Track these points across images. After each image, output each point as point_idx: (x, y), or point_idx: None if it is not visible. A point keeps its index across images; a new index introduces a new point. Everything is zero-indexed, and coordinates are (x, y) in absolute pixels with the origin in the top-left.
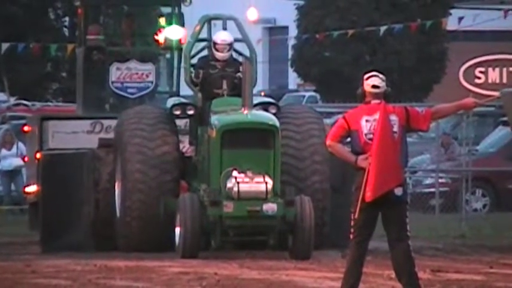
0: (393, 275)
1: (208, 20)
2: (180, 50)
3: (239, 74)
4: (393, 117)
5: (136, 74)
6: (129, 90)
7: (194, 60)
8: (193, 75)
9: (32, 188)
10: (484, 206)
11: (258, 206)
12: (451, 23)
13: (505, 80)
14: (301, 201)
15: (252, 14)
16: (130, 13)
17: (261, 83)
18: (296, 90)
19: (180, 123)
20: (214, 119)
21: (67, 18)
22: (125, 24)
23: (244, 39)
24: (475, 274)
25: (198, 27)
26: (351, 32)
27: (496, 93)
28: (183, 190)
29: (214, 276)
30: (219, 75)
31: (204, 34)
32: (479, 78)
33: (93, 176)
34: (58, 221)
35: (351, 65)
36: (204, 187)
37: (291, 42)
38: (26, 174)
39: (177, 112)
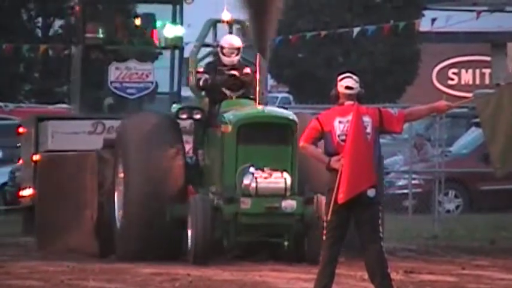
0: (366, 276)
1: (214, 24)
2: (180, 49)
3: (245, 75)
4: (366, 119)
5: (136, 73)
6: (129, 91)
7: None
8: (201, 81)
9: (27, 192)
10: (457, 207)
11: (276, 203)
12: (423, 25)
13: (477, 81)
14: (319, 200)
15: (226, 16)
16: (127, 9)
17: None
18: (269, 92)
19: (185, 123)
20: (229, 114)
21: (40, 19)
22: (120, 20)
23: (251, 44)
24: (447, 275)
25: (204, 31)
26: (323, 33)
27: (469, 95)
28: (191, 195)
29: (186, 277)
30: (226, 80)
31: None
32: (452, 79)
33: (97, 178)
34: (58, 225)
35: (324, 66)
36: (213, 189)
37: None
38: (21, 177)
39: (184, 116)
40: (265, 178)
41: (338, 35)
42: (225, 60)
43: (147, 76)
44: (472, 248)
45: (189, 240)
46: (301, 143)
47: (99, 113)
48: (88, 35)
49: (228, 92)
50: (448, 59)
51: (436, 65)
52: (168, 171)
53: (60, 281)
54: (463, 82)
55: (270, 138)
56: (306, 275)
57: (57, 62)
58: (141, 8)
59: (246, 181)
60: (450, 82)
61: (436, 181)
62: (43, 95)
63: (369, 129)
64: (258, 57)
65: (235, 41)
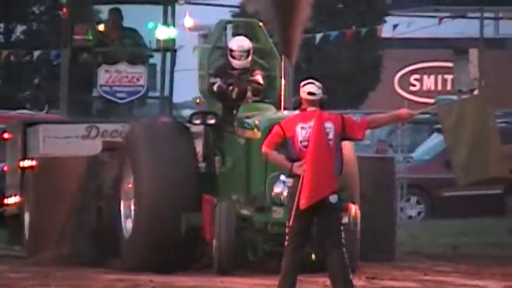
0: (328, 282)
1: (225, 25)
2: (173, 51)
3: (256, 75)
4: (329, 125)
5: (127, 77)
6: (118, 95)
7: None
8: (215, 86)
9: (13, 200)
10: (419, 213)
11: None
12: (385, 30)
13: (439, 87)
14: (349, 208)
15: (188, 22)
16: (116, 8)
17: (197, 90)
18: None
19: (197, 129)
20: (255, 119)
21: (1, 25)
22: (111, 20)
23: (266, 45)
24: (409, 281)
25: (215, 33)
26: None
27: (431, 101)
28: (206, 204)
29: (149, 283)
30: (236, 82)
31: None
32: (414, 85)
33: (96, 182)
34: (51, 231)
35: None
36: (235, 197)
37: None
38: (7, 185)
39: (197, 121)
40: None
41: (301, 41)
42: (235, 63)
43: (138, 80)
44: (434, 254)
45: (214, 250)
46: (264, 149)
47: (88, 118)
48: (76, 37)
49: (249, 96)
50: (410, 65)
51: (398, 71)
52: (180, 179)
53: (23, 287)
54: (425, 88)
55: None
56: (270, 281)
57: (19, 68)
58: (131, 9)
59: (276, 189)
60: (412, 88)
61: (398, 187)
62: (5, 101)
63: (331, 135)
64: (283, 60)
65: (245, 43)
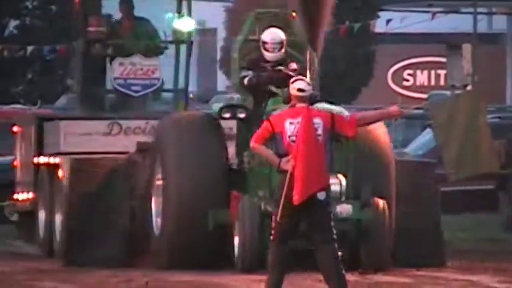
0: (322, 277)
1: (256, 17)
2: (190, 43)
3: (293, 71)
4: (317, 120)
5: (141, 69)
6: (133, 88)
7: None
8: (245, 80)
9: (25, 196)
10: None
11: None
12: (378, 25)
13: (433, 83)
14: (376, 203)
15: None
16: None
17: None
18: (225, 92)
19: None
20: (278, 111)
21: None
22: (121, 10)
23: (299, 37)
24: (402, 276)
25: (247, 25)
26: None
27: (425, 96)
28: (234, 200)
29: (142, 278)
30: (271, 77)
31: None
32: (407, 80)
33: (129, 183)
34: (86, 232)
35: None
36: (261, 193)
37: (220, 44)
38: (17, 181)
39: (227, 115)
40: None
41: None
42: (268, 56)
43: (153, 72)
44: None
45: (236, 247)
46: (252, 144)
47: (101, 112)
48: (90, 29)
49: (274, 89)
50: (403, 60)
51: (391, 66)
52: (209, 175)
53: (15, 280)
54: (418, 83)
55: None
56: (266, 276)
57: (12, 63)
58: (147, 0)
59: None
60: (405, 83)
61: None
62: None
63: (319, 131)
64: (309, 52)
65: (279, 34)
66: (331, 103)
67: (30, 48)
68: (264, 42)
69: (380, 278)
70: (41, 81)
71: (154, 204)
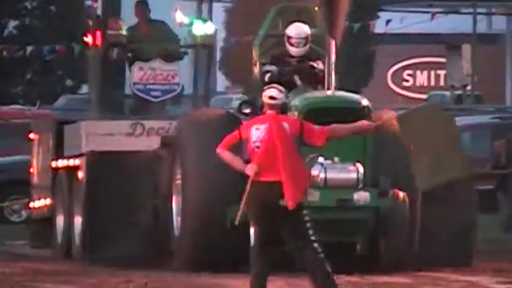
0: None
1: (279, 11)
2: (210, 47)
3: (317, 64)
4: (285, 125)
5: (161, 74)
6: (152, 93)
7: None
8: (266, 76)
9: (42, 202)
10: None
11: (348, 195)
12: (378, 26)
13: (432, 83)
14: (395, 193)
15: (179, 17)
16: (142, 0)
17: (188, 85)
18: (224, 93)
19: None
20: (295, 101)
21: None
22: (137, 12)
23: (320, 33)
24: (402, 277)
25: (268, 20)
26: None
27: (424, 97)
28: None
29: (142, 279)
30: (293, 70)
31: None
32: (407, 81)
33: (153, 180)
34: (108, 230)
35: None
36: None
37: (219, 44)
38: (33, 187)
39: (247, 111)
40: (336, 169)
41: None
42: (293, 51)
43: (173, 77)
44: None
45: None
46: (218, 149)
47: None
48: (110, 32)
49: (298, 82)
50: (403, 60)
51: (391, 67)
52: (228, 174)
53: (15, 281)
54: (418, 84)
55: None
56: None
57: (12, 63)
58: (164, 3)
59: (314, 172)
60: (405, 84)
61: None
62: None
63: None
64: (331, 43)
65: (304, 29)
66: (351, 92)
67: (29, 49)
68: (289, 37)
69: (380, 278)
70: (40, 82)
71: (175, 203)
